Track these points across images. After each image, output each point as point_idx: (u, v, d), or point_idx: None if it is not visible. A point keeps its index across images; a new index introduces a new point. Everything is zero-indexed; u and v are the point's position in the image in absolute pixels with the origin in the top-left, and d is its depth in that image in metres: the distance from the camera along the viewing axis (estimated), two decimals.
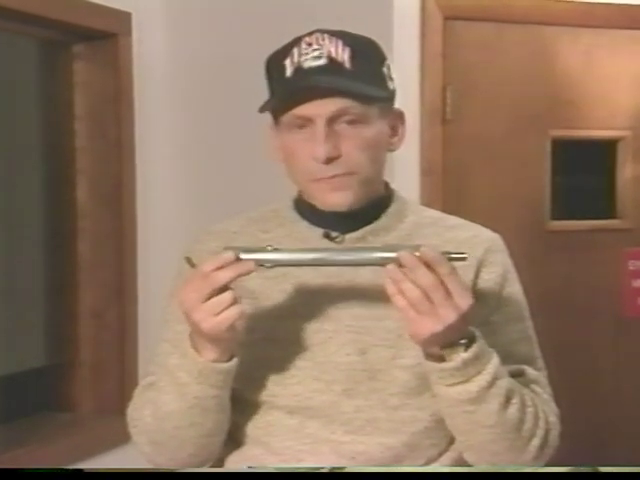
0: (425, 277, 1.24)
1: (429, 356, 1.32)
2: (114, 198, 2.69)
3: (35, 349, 2.81)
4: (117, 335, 2.71)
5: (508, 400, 1.34)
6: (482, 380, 1.31)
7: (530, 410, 1.38)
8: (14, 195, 2.72)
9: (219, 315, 1.28)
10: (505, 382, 1.34)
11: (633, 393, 3.19)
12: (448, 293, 1.25)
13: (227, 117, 2.78)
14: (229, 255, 1.27)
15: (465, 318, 1.27)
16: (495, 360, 1.33)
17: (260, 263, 1.29)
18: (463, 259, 1.29)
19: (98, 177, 2.70)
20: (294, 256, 1.32)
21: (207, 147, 2.86)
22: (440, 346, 1.29)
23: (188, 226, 2.61)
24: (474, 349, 1.30)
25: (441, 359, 1.31)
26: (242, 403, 1.43)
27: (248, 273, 1.29)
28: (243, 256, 1.28)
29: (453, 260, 1.27)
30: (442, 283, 1.25)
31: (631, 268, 3.19)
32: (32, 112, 2.78)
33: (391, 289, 1.26)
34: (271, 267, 1.30)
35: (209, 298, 1.28)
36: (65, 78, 2.71)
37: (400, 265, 1.25)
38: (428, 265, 1.25)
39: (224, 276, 1.27)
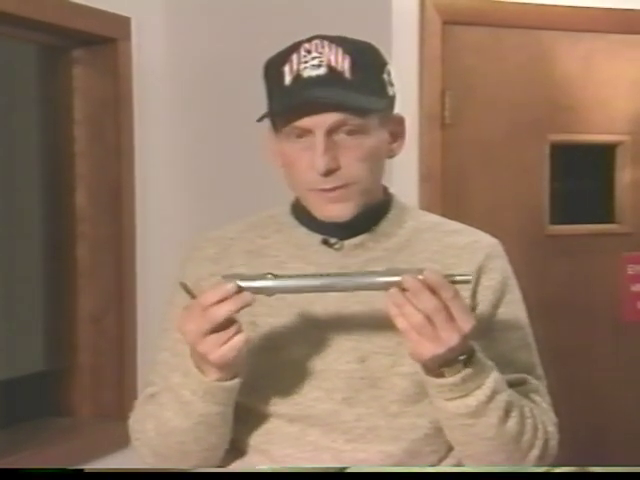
0: (428, 301, 1.23)
1: (428, 370, 1.31)
2: (113, 203, 2.69)
3: (34, 354, 2.81)
4: (116, 340, 2.70)
5: (507, 413, 1.33)
6: (481, 395, 1.30)
7: (529, 422, 1.37)
8: (13, 199, 2.71)
9: (225, 345, 1.27)
10: (504, 395, 1.33)
11: (633, 397, 3.18)
12: (451, 316, 1.24)
13: (226, 122, 2.78)
14: (232, 286, 1.26)
15: (466, 339, 1.26)
16: (494, 374, 1.32)
17: (260, 292, 1.27)
18: (467, 282, 1.28)
19: (97, 182, 2.70)
20: (295, 283, 1.29)
21: (206, 152, 2.85)
22: (439, 364, 1.28)
23: (187, 231, 2.62)
24: (473, 364, 1.29)
25: (440, 374, 1.30)
26: (243, 412, 1.42)
27: (248, 305, 1.27)
28: (242, 284, 1.26)
29: (456, 283, 1.25)
30: (445, 306, 1.23)
31: (630, 272, 3.19)
32: (31, 117, 2.78)
33: (393, 311, 1.25)
34: (272, 295, 1.28)
35: (212, 332, 1.27)
36: (64, 83, 2.70)
37: (403, 288, 1.24)
38: (431, 288, 1.23)
39: (225, 310, 1.25)
